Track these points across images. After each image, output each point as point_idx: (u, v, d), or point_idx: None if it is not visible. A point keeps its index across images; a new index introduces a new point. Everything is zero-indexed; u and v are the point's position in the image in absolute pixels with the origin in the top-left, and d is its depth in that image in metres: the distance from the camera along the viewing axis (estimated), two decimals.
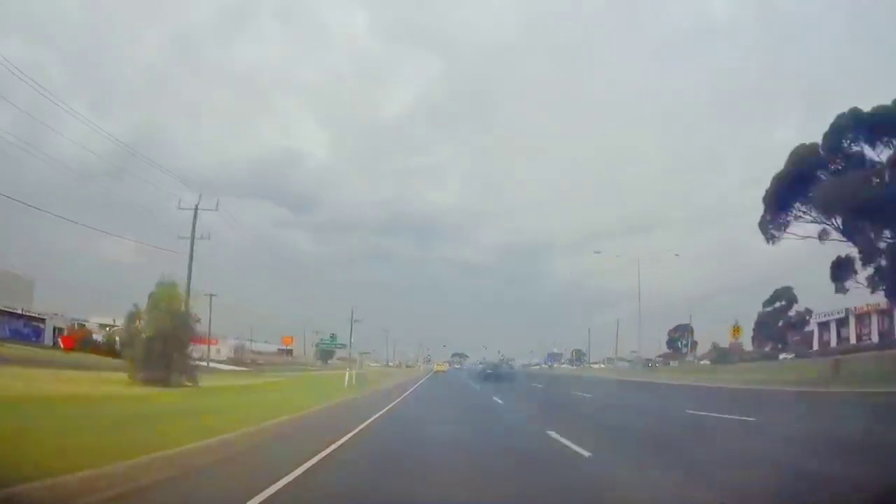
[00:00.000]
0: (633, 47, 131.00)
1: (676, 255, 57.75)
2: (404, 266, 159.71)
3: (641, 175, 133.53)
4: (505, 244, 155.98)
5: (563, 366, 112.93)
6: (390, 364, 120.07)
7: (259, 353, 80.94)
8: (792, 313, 63.38)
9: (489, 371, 55.67)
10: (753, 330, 63.57)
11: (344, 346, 44.33)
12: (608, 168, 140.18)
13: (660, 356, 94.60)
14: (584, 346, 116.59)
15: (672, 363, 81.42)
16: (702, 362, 65.80)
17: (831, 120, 31.25)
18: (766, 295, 62.49)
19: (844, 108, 30.98)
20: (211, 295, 40.93)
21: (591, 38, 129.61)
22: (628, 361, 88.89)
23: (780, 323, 64.82)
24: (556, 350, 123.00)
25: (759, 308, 63.65)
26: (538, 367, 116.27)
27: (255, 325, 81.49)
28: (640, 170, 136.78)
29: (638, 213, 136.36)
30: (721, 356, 63.47)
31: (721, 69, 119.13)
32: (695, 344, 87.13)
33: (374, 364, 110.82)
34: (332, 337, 42.60)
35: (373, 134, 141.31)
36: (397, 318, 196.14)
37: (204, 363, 36.33)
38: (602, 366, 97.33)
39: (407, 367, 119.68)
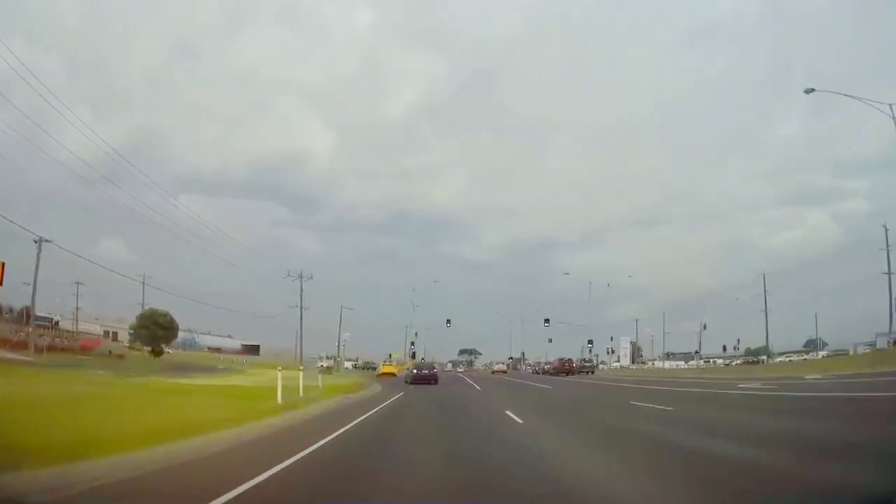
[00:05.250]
0: (638, 41, 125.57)
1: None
2: (407, 265, 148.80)
3: (646, 169, 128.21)
4: (510, 241, 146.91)
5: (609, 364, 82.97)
6: (339, 362, 73.98)
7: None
8: None
9: None
10: None
11: None
12: (614, 162, 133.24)
13: None
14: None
15: None
16: None
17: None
18: None
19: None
20: None
21: (596, 33, 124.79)
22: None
23: None
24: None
25: None
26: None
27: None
28: (645, 164, 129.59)
29: (643, 208, 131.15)
30: None
31: (726, 63, 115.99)
32: None
33: (324, 364, 69.84)
34: None
35: (377, 132, 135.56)
36: (396, 317, 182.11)
37: None
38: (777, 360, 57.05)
39: (343, 365, 74.02)
